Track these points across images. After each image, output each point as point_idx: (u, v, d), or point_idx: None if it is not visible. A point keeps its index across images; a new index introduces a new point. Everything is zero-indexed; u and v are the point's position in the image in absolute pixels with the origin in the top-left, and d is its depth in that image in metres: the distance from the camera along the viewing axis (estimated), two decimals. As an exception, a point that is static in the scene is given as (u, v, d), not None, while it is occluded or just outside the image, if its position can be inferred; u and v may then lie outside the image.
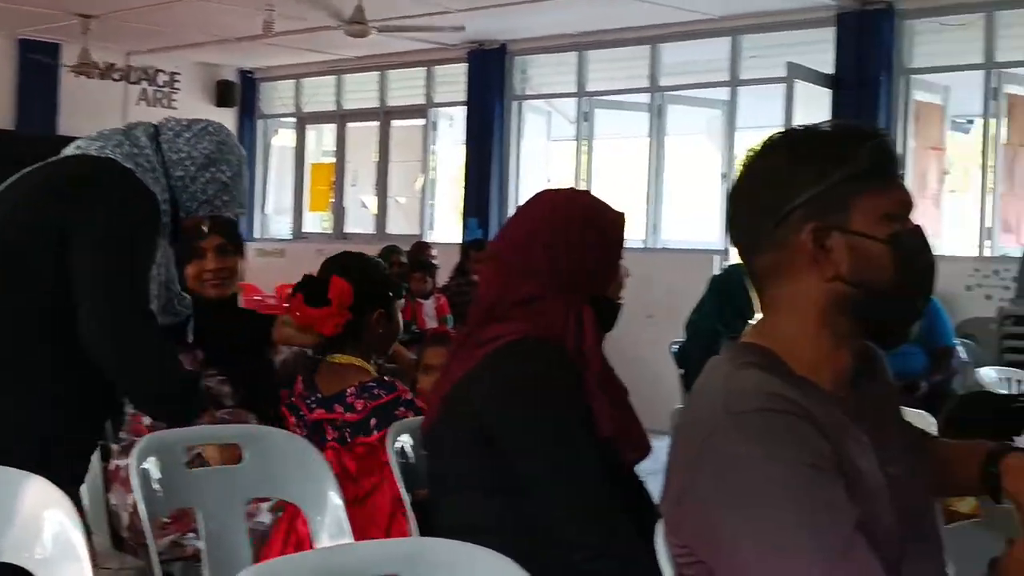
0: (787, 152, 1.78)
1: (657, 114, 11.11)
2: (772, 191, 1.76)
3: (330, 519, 2.65)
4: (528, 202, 2.64)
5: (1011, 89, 9.28)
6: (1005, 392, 3.42)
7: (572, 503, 2.36)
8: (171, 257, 3.20)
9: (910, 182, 9.32)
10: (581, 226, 2.51)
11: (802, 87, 9.27)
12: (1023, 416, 3.20)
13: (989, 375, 6.17)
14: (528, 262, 2.49)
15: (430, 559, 1.77)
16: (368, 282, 3.50)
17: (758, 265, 1.80)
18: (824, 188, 1.72)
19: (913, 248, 1.76)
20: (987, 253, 9.23)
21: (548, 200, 2.63)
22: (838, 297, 1.74)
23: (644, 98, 11.27)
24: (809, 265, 1.74)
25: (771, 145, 1.81)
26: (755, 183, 1.80)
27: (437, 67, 12.77)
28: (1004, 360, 7.57)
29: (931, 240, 1.81)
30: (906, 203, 1.78)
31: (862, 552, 1.58)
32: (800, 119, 9.14)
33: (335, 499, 2.65)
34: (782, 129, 1.87)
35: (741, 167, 1.84)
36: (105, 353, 2.84)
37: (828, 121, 1.81)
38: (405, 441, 2.83)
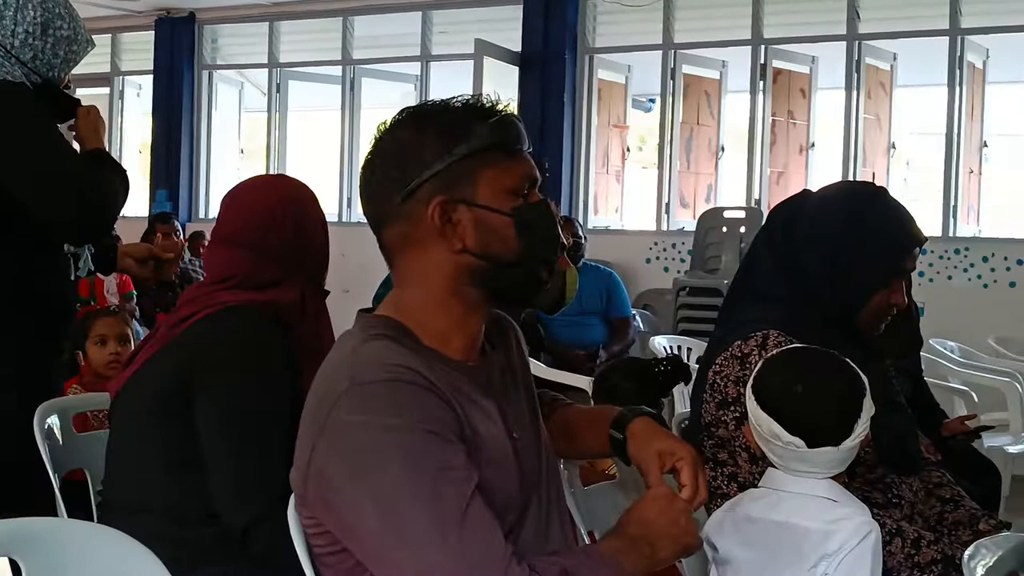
0: (415, 127, 1.81)
1: (350, 87, 11.09)
2: (400, 165, 1.79)
3: None
4: (257, 187, 2.68)
5: (688, 70, 9.71)
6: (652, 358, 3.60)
7: (237, 475, 2.35)
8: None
9: (594, 158, 9.65)
10: (315, 213, 2.58)
11: (490, 63, 9.42)
12: (666, 381, 3.39)
13: (661, 343, 6.46)
14: (264, 245, 2.50)
15: (43, 539, 1.72)
16: None
17: (388, 238, 1.83)
18: (450, 163, 1.76)
19: (536, 221, 1.82)
20: (665, 227, 9.64)
21: (280, 186, 2.68)
22: (465, 268, 1.79)
23: (337, 71, 11.22)
24: (436, 238, 1.78)
25: (400, 120, 1.84)
26: (384, 157, 1.83)
27: (123, 34, 12.39)
28: (679, 329, 7.92)
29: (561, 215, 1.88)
30: (531, 177, 1.84)
31: (479, 515, 1.64)
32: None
33: None
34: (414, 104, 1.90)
35: (372, 141, 1.86)
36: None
37: (458, 96, 1.85)
38: (54, 423, 2.74)
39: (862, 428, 2.09)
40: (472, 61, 9.36)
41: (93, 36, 3.22)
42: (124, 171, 3.16)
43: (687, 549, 1.89)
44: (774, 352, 2.26)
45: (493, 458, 1.75)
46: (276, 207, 2.54)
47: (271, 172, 11.18)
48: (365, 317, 1.85)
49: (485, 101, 1.84)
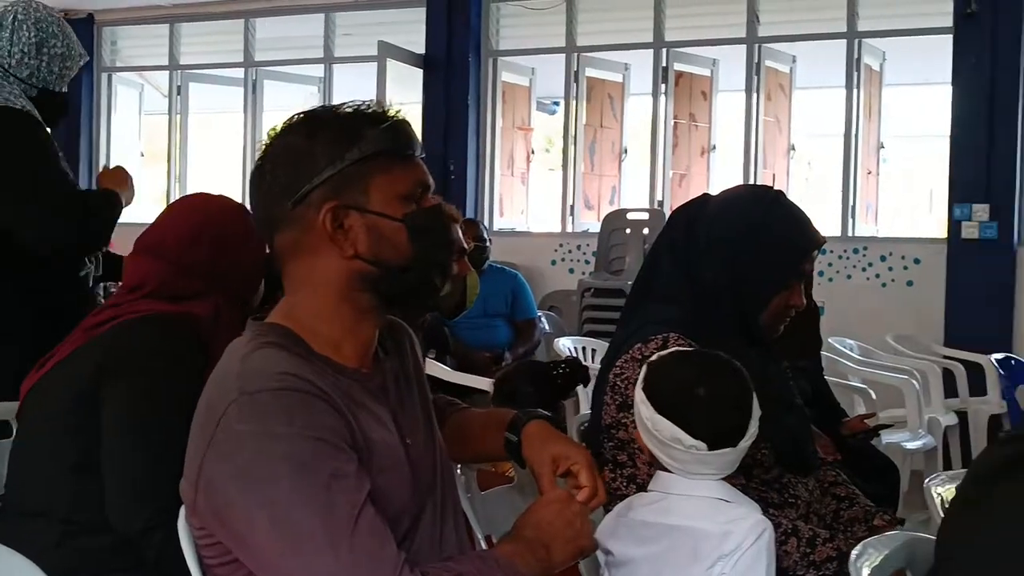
0: (306, 132, 1.80)
1: (252, 90, 10.98)
2: (290, 171, 1.78)
3: None
4: (187, 201, 2.70)
5: (591, 72, 9.75)
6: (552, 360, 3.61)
7: (133, 480, 2.32)
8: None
9: (499, 161, 9.66)
10: (240, 231, 2.56)
11: (394, 66, 9.39)
12: (564, 383, 3.40)
13: (566, 344, 6.48)
14: (191, 259, 2.50)
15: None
16: None
17: (279, 244, 1.82)
18: (341, 168, 1.76)
19: (428, 226, 1.82)
20: (570, 229, 9.68)
21: (207, 205, 2.66)
22: (357, 274, 1.78)
23: (239, 73, 11.10)
24: (327, 244, 1.77)
25: (291, 125, 1.83)
26: (275, 163, 1.81)
27: (20, 35, 12.11)
28: (584, 330, 7.96)
29: (448, 219, 1.87)
30: (423, 183, 1.84)
31: (370, 522, 1.64)
32: (392, 98, 9.27)
33: None
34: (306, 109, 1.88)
35: (262, 147, 1.84)
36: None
37: (351, 102, 1.84)
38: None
39: (755, 427, 2.12)
40: (376, 63, 9.32)
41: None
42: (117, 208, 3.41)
43: (583, 551, 1.89)
44: (657, 356, 2.27)
45: (386, 465, 1.75)
46: (198, 224, 2.55)
47: (175, 176, 11.12)
48: (255, 324, 1.83)
49: (376, 107, 1.83)
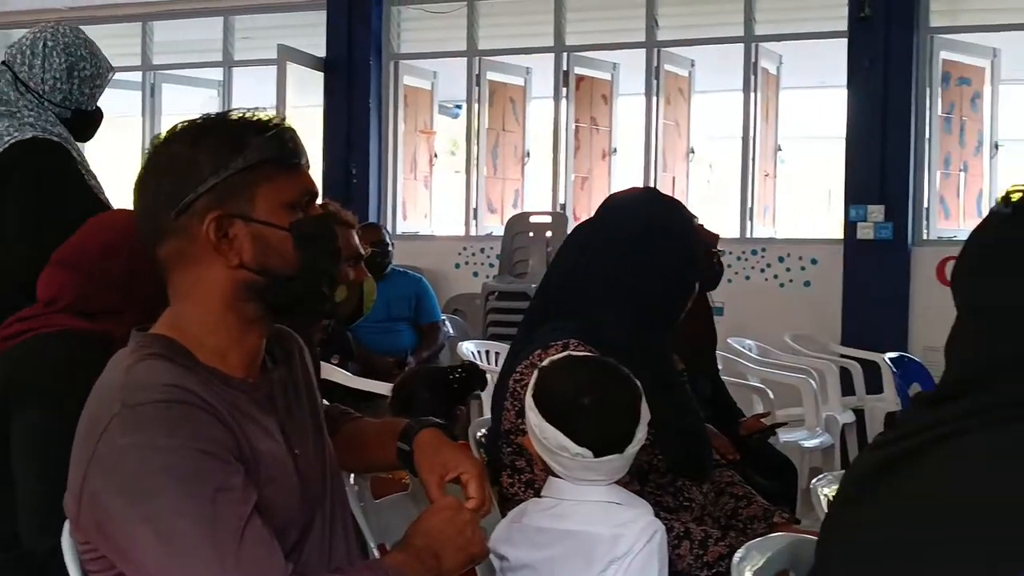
0: (189, 141, 1.78)
1: (150, 93, 10.84)
2: (174, 180, 1.75)
3: None
4: (106, 216, 2.68)
5: (493, 76, 9.77)
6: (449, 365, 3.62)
7: (42, 499, 2.27)
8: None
9: (401, 164, 9.63)
10: None
11: (294, 69, 9.32)
12: (462, 388, 3.40)
13: (469, 348, 6.48)
14: (107, 274, 2.43)
15: None
16: None
17: (162, 254, 1.79)
18: (225, 177, 1.74)
19: (315, 235, 1.80)
20: (473, 232, 9.69)
21: (127, 216, 2.59)
22: (243, 284, 1.76)
23: (137, 76, 10.94)
24: (212, 254, 1.75)
25: (174, 134, 1.81)
26: (158, 172, 1.79)
27: (-91, 39, 11.85)
28: (488, 334, 7.97)
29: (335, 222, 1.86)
30: (309, 191, 1.82)
31: (257, 534, 1.62)
32: (293, 101, 9.21)
33: None
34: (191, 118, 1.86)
35: (145, 156, 1.82)
36: None
37: (235, 110, 1.82)
38: None
39: (643, 433, 2.14)
40: (275, 67, 9.25)
41: None
42: None
43: (473, 559, 1.90)
44: (547, 363, 2.29)
45: (273, 476, 1.73)
46: (115, 237, 2.49)
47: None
48: (139, 336, 1.81)
49: (262, 115, 1.82)
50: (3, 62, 3.44)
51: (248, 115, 1.81)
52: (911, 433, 1.23)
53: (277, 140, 1.78)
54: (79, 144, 3.51)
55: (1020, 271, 1.24)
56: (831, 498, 2.32)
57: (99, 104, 3.57)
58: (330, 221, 1.85)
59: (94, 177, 3.48)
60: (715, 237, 4.16)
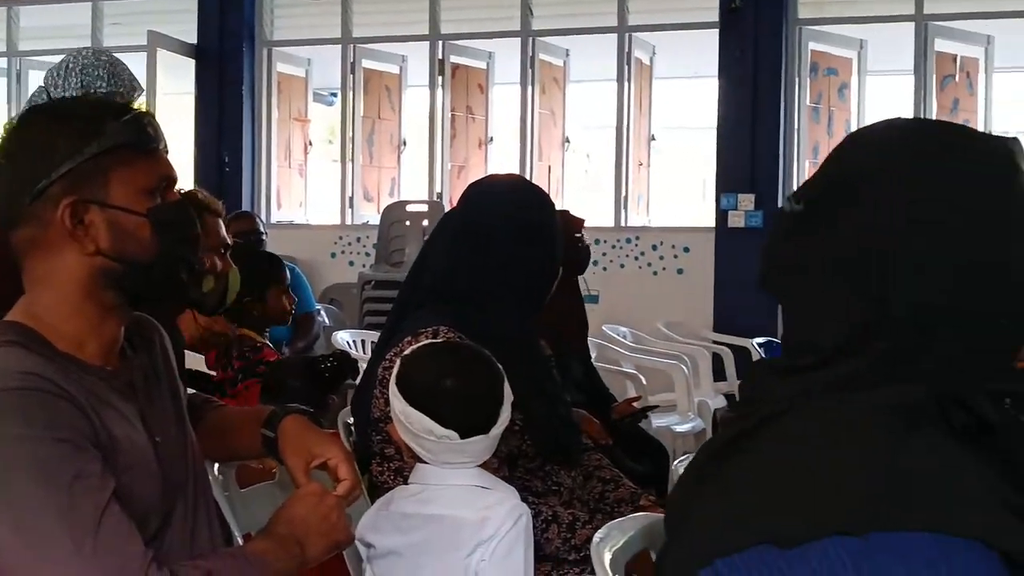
0: (44, 125, 1.74)
1: (17, 80, 10.59)
2: (28, 165, 1.72)
3: None
4: None
5: (368, 64, 9.72)
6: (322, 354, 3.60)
7: None
8: None
9: (275, 152, 9.54)
10: None
11: (165, 56, 9.18)
12: (332, 377, 3.39)
13: (343, 338, 6.45)
14: None
15: None
16: None
17: (17, 240, 1.75)
18: (79, 163, 1.70)
19: (173, 221, 1.78)
20: (349, 221, 9.64)
21: None
22: (100, 271, 1.74)
23: (2, 63, 10.69)
24: (68, 240, 1.72)
25: (28, 118, 1.77)
26: (11, 157, 1.75)
27: None
28: (365, 323, 7.93)
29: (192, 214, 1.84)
30: (167, 177, 1.80)
31: (116, 522, 1.60)
32: (163, 88, 9.07)
33: None
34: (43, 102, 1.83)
35: (0, 139, 1.77)
36: None
37: (91, 94, 1.79)
38: None
39: (507, 414, 2.16)
40: (145, 53, 9.09)
41: None
42: None
43: (338, 545, 1.89)
44: (410, 350, 2.29)
45: (133, 463, 1.71)
46: None
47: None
48: None
49: (118, 98, 1.79)
50: (42, 84, 3.59)
51: (105, 99, 1.78)
52: (750, 413, 1.27)
53: (134, 125, 1.75)
54: None
55: (806, 266, 1.28)
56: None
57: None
58: (189, 207, 1.82)
59: None
60: (580, 222, 4.22)
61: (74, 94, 3.38)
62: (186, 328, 3.64)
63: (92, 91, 3.40)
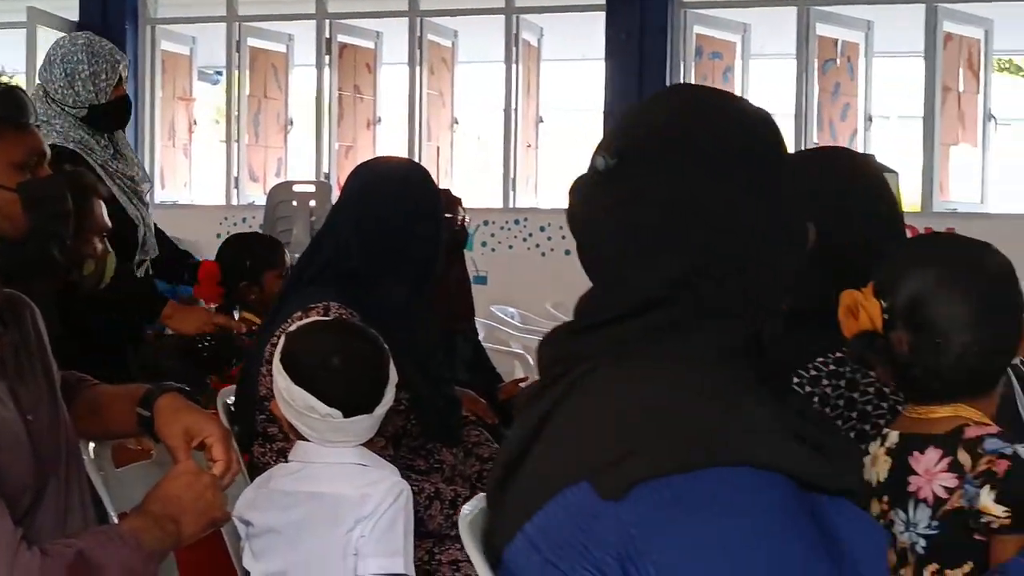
0: None
1: None
2: None
3: None
4: None
5: (254, 43, 9.61)
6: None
7: None
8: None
9: (158, 132, 9.39)
10: None
11: (45, 33, 8.98)
12: (211, 357, 3.36)
13: (229, 319, 6.38)
14: None
15: None
16: None
17: None
18: None
19: (43, 196, 1.76)
20: (235, 202, 9.53)
21: None
22: None
23: None
24: None
25: None
26: None
27: None
28: (251, 304, 7.85)
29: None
30: (38, 151, 1.77)
31: None
32: (43, 65, 8.87)
33: None
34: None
35: None
36: None
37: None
38: None
39: (391, 394, 2.16)
40: (25, 30, 8.90)
41: None
42: None
43: (214, 523, 1.88)
44: (295, 327, 2.29)
45: (3, 441, 1.68)
46: None
47: None
48: None
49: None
50: (39, 81, 3.78)
51: None
52: (560, 375, 1.33)
53: (4, 98, 1.72)
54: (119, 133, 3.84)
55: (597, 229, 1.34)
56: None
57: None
58: (62, 182, 1.80)
59: (120, 176, 3.77)
60: (457, 200, 4.26)
61: (61, 83, 3.56)
62: (197, 328, 3.59)
63: (77, 75, 3.54)
